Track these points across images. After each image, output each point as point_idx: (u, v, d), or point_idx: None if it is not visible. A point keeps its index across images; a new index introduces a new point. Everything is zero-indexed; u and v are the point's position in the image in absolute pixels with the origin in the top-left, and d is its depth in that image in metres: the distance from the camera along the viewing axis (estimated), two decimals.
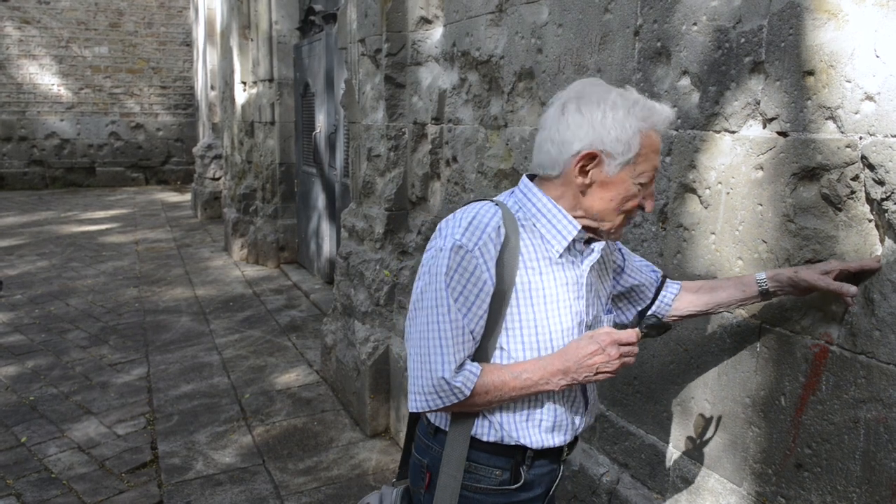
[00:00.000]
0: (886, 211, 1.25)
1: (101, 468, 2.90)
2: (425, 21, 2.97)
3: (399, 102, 3.12)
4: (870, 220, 1.31)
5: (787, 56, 1.41)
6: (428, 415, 1.27)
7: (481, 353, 1.20)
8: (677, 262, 1.74)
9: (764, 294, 1.39)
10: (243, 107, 6.88)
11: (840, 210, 1.35)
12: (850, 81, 1.29)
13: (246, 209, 6.79)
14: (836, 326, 1.37)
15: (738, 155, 1.55)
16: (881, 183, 1.25)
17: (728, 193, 1.58)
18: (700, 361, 1.70)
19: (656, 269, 1.47)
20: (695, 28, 1.64)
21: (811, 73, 1.36)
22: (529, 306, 1.19)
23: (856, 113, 1.29)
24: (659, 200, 1.79)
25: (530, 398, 1.22)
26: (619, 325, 1.31)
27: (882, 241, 1.29)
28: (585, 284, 1.24)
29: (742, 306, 1.46)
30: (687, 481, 1.75)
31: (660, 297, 1.44)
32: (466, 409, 1.21)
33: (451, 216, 1.22)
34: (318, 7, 5.55)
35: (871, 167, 1.26)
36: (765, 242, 1.50)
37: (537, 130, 1.23)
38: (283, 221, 6.58)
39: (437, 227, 1.23)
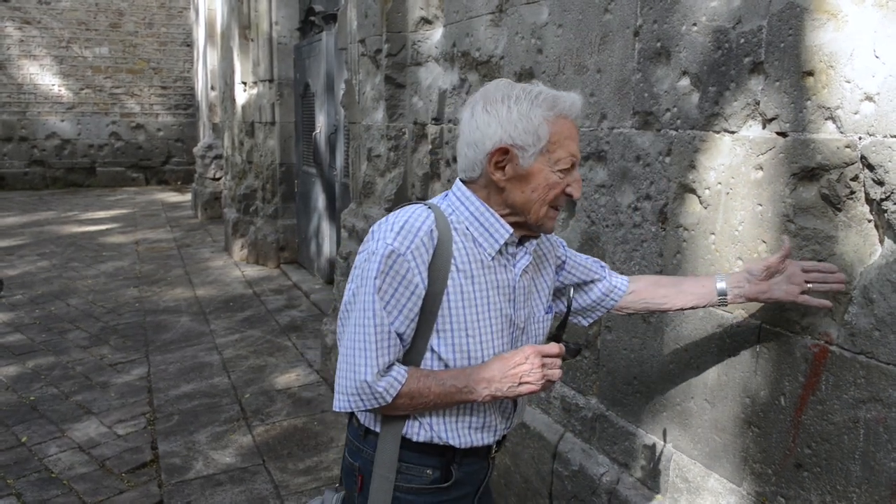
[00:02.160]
0: (886, 211, 1.25)
1: (101, 468, 2.90)
2: (425, 21, 2.97)
3: (399, 103, 3.12)
4: (869, 221, 1.31)
5: (787, 56, 1.41)
6: (358, 416, 1.28)
7: (413, 353, 1.20)
8: (677, 262, 1.75)
9: (721, 299, 1.42)
10: (243, 107, 6.88)
11: (840, 210, 1.35)
12: (849, 82, 1.30)
13: (246, 209, 6.79)
14: (836, 326, 1.37)
15: (737, 155, 1.55)
16: (880, 183, 1.25)
17: (728, 194, 1.58)
18: (700, 361, 1.70)
19: (604, 263, 1.49)
20: (694, 28, 1.64)
21: (811, 73, 1.37)
22: (461, 309, 1.19)
23: (855, 113, 1.29)
24: (658, 200, 1.79)
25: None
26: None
27: (881, 241, 1.29)
28: (518, 287, 1.25)
29: (695, 307, 1.46)
30: (687, 481, 1.75)
31: (610, 287, 1.45)
32: (391, 413, 1.21)
33: (383, 219, 1.21)
34: (318, 8, 5.55)
35: (871, 167, 1.26)
36: (764, 243, 1.50)
37: (458, 137, 1.25)
38: (283, 221, 6.58)
39: (370, 229, 1.22)
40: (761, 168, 1.49)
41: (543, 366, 1.17)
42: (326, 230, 5.73)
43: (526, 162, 1.17)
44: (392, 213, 1.22)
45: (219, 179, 9.15)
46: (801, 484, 1.46)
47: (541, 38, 2.22)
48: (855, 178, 1.31)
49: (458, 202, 1.23)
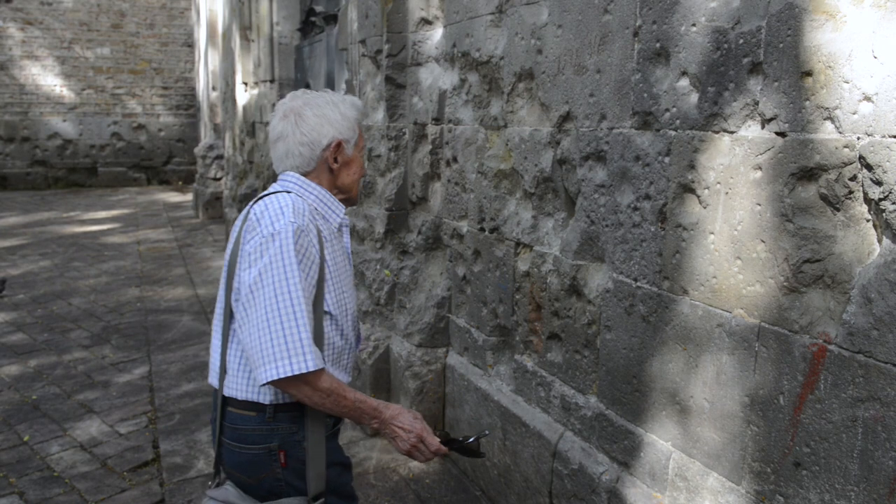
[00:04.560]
0: (884, 211, 1.26)
1: (102, 467, 2.91)
2: (426, 22, 2.98)
3: (399, 103, 3.13)
4: (868, 220, 1.31)
5: (786, 57, 1.42)
6: (261, 400, 1.39)
7: (317, 322, 1.37)
8: (676, 261, 1.75)
9: None
10: (244, 107, 6.89)
11: (838, 210, 1.36)
12: (848, 82, 1.30)
13: None
14: (835, 325, 1.37)
15: (736, 155, 1.55)
16: (879, 183, 1.25)
17: (727, 193, 1.59)
18: (699, 360, 1.70)
19: None
20: (694, 29, 1.65)
21: (809, 73, 1.37)
22: (333, 271, 1.44)
23: (854, 113, 1.29)
24: (658, 200, 1.79)
25: (336, 347, 1.46)
26: (448, 436, 1.54)
27: (880, 240, 1.30)
28: (350, 252, 1.59)
29: None
30: (686, 480, 1.76)
31: None
32: (305, 397, 1.34)
33: (261, 209, 1.37)
34: (318, 8, 5.56)
35: (869, 167, 1.27)
36: (763, 242, 1.51)
37: (275, 143, 1.48)
38: None
39: (250, 218, 1.37)
40: (760, 168, 1.50)
41: (415, 447, 1.45)
42: None
43: (349, 151, 1.50)
44: (266, 202, 1.38)
45: (220, 179, 9.16)
46: (800, 482, 1.46)
47: (540, 39, 2.23)
48: (853, 178, 1.31)
49: (301, 189, 1.47)
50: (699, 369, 1.71)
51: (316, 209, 1.46)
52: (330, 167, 1.48)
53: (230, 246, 1.42)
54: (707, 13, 1.61)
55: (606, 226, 2.00)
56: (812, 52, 1.36)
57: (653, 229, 1.82)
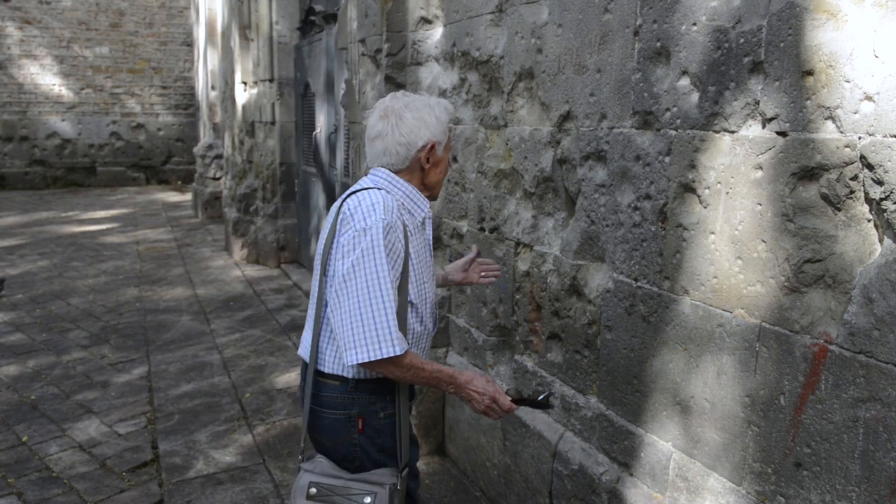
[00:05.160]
0: (885, 210, 1.25)
1: (101, 467, 2.91)
2: (425, 21, 2.97)
3: None
4: (869, 220, 1.31)
5: (787, 56, 1.41)
6: (343, 374, 1.54)
7: (399, 307, 1.47)
8: (676, 261, 1.75)
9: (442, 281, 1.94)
10: (244, 107, 6.88)
11: (839, 210, 1.35)
12: (849, 81, 1.30)
13: (246, 209, 6.79)
14: (836, 326, 1.37)
15: (737, 155, 1.55)
16: (880, 183, 1.25)
17: (727, 193, 1.59)
18: (700, 361, 1.70)
19: None
20: (694, 28, 1.64)
21: (810, 73, 1.37)
22: (415, 263, 1.55)
23: (855, 113, 1.29)
24: (658, 200, 1.79)
25: (416, 333, 1.59)
26: (519, 393, 1.68)
27: (881, 240, 1.29)
28: (431, 244, 1.69)
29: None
30: (686, 480, 1.76)
31: None
32: (389, 373, 1.47)
33: (356, 205, 1.48)
34: (318, 7, 5.56)
35: (870, 167, 1.26)
36: (764, 242, 1.50)
37: (373, 140, 1.57)
38: (283, 221, 6.58)
39: (343, 211, 1.49)
40: (761, 168, 1.49)
41: (489, 408, 1.54)
42: None
43: (440, 152, 1.60)
44: (359, 198, 1.50)
45: (219, 179, 9.15)
46: (801, 483, 1.46)
47: (541, 38, 2.22)
48: (854, 178, 1.31)
49: (390, 185, 1.57)
50: (700, 369, 1.70)
51: (402, 204, 1.55)
52: (422, 166, 1.58)
53: (324, 234, 1.54)
54: (708, 12, 1.60)
55: (607, 225, 1.99)
56: (813, 52, 1.36)
57: (653, 229, 1.82)
